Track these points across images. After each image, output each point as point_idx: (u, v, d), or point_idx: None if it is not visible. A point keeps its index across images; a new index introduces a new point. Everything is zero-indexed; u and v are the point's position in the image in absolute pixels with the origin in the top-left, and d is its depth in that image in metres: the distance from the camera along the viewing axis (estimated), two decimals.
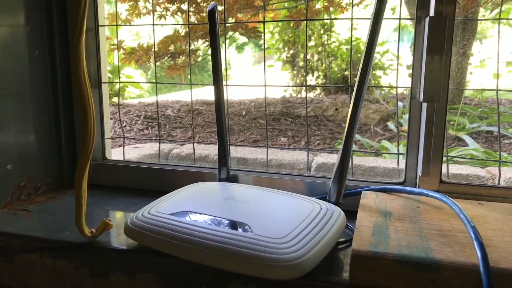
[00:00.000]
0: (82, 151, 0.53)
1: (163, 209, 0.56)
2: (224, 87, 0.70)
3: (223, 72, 0.70)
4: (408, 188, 0.60)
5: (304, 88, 3.11)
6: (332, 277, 0.47)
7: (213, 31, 0.66)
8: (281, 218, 0.52)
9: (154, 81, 0.89)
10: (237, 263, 0.45)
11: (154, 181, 0.78)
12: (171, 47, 1.85)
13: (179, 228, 0.50)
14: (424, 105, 0.62)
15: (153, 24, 0.85)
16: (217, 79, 0.68)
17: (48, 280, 0.57)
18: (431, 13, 0.59)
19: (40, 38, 0.75)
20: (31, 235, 0.59)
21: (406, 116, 1.93)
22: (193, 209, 0.55)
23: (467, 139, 1.52)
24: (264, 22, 0.78)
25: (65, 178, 0.81)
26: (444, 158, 0.63)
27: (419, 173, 0.63)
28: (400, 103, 2.11)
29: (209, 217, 0.53)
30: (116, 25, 0.91)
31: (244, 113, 2.08)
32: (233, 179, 0.72)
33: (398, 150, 0.73)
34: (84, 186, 0.54)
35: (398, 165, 0.72)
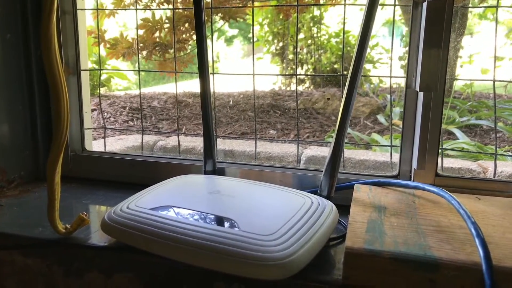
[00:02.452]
0: (55, 141, 0.49)
1: (143, 203, 0.52)
2: (211, 77, 0.66)
3: (210, 62, 0.66)
4: (403, 182, 0.57)
5: (293, 80, 3.07)
6: (324, 276, 0.44)
7: (198, 17, 0.62)
8: (270, 213, 0.49)
9: (138, 69, 0.85)
10: (222, 262, 0.42)
11: (136, 173, 0.74)
12: (156, 34, 1.79)
13: (160, 224, 0.47)
14: (420, 94, 0.59)
15: (136, 9, 0.80)
16: (203, 68, 0.64)
17: (18, 279, 0.53)
18: None
19: (12, 20, 0.70)
20: (1, 231, 0.55)
21: (397, 110, 1.91)
22: (176, 203, 0.52)
23: (457, 132, 1.51)
24: (252, 7, 0.74)
25: (40, 171, 0.77)
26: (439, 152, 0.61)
27: (414, 166, 0.60)
28: (389, 96, 2.09)
29: (193, 212, 0.49)
30: (97, 9, 0.87)
31: (232, 105, 2.04)
32: (220, 171, 0.69)
33: (391, 142, 0.70)
34: (57, 179, 0.50)
35: (391, 158, 0.69)
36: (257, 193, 0.55)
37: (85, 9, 0.77)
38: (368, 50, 2.94)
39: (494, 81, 0.69)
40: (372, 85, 2.62)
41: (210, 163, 0.67)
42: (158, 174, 0.71)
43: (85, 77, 0.78)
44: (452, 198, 0.48)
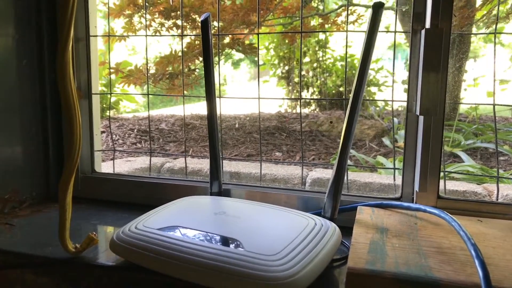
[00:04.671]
0: (67, 163, 0.51)
1: (151, 223, 0.53)
2: (218, 100, 0.68)
3: (217, 85, 0.69)
4: (405, 204, 0.58)
5: (299, 103, 3.11)
6: None
7: (206, 42, 0.65)
8: (274, 234, 0.50)
9: (147, 93, 0.88)
10: (227, 281, 0.43)
11: (144, 195, 0.76)
12: (169, 68, 1.85)
13: (167, 244, 0.48)
14: (421, 118, 0.60)
15: (146, 35, 0.84)
16: (210, 91, 0.67)
17: None
18: (427, 25, 0.59)
19: (28, 46, 0.74)
20: (12, 250, 0.56)
21: (402, 132, 1.93)
22: (183, 224, 0.53)
23: (463, 155, 1.51)
24: (258, 34, 0.78)
25: (51, 191, 0.79)
26: (442, 174, 0.62)
27: (416, 188, 0.61)
28: (395, 119, 2.11)
29: (199, 233, 0.50)
30: (109, 36, 0.90)
31: (238, 127, 2.07)
32: (225, 193, 0.70)
33: (394, 164, 0.72)
34: (69, 199, 0.52)
35: (394, 180, 0.70)
36: (261, 214, 0.57)
37: (97, 36, 0.80)
38: (373, 73, 2.99)
39: (494, 105, 0.70)
40: (377, 108, 2.64)
41: (216, 185, 0.68)
42: (165, 195, 0.73)
43: (95, 100, 0.81)
44: (452, 220, 0.49)
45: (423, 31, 0.59)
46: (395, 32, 0.71)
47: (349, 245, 0.56)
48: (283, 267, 0.43)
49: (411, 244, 0.48)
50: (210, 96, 0.67)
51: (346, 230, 0.56)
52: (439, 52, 0.57)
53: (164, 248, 0.47)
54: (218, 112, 0.68)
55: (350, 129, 0.55)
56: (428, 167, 0.59)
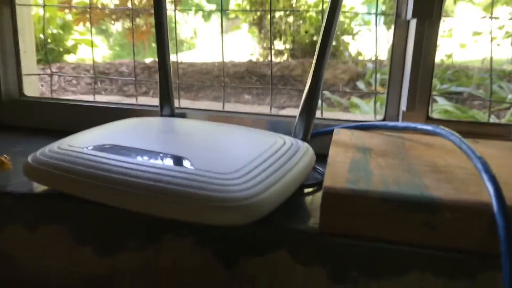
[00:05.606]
0: None
1: (79, 142, 0.42)
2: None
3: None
4: (391, 123, 0.49)
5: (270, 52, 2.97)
6: (296, 224, 0.36)
7: None
8: (233, 152, 0.40)
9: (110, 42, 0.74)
10: (170, 206, 0.33)
11: (82, 121, 0.63)
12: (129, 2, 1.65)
13: (97, 164, 0.37)
14: (412, 24, 0.50)
15: None
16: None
17: None
18: None
19: None
20: None
21: (378, 76, 1.85)
22: (120, 142, 0.42)
23: (439, 99, 1.45)
24: None
25: None
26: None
27: (403, 107, 0.52)
28: (369, 65, 2.02)
29: (139, 151, 0.40)
30: None
31: (205, 72, 1.93)
32: (179, 116, 0.59)
33: (375, 88, 0.62)
34: None
35: (374, 104, 0.61)
36: (219, 132, 0.47)
37: None
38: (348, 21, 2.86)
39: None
40: (351, 56, 2.54)
41: (168, 108, 0.57)
42: (108, 121, 0.61)
43: (21, 13, 0.66)
44: (450, 134, 0.40)
45: None
46: None
47: (323, 171, 0.47)
48: (241, 186, 0.33)
49: (400, 163, 0.39)
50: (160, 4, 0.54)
51: (320, 158, 0.46)
52: None
53: (93, 169, 0.37)
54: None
55: (329, 30, 0.44)
56: (418, 81, 0.50)
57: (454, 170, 0.38)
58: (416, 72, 0.50)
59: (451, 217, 0.31)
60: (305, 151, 0.42)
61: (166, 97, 0.57)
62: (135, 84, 0.87)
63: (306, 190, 0.44)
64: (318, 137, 0.53)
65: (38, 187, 0.41)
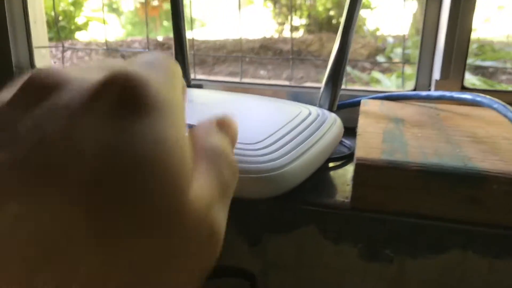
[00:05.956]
0: None
1: None
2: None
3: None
4: (424, 93, 0.45)
5: (285, 27, 2.89)
6: (324, 199, 0.33)
7: None
8: (255, 122, 0.38)
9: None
10: None
11: None
12: None
13: None
14: None
15: None
16: None
17: None
18: None
19: None
20: None
21: (398, 50, 1.78)
22: None
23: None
24: None
25: None
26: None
27: (436, 76, 0.49)
28: (389, 39, 1.95)
29: None
30: None
31: (219, 48, 1.89)
32: (196, 87, 0.57)
33: (403, 48, 0.58)
34: None
35: (402, 73, 0.57)
36: (238, 102, 0.44)
37: None
38: None
39: None
40: (369, 30, 2.46)
41: (184, 80, 0.54)
42: None
43: None
44: (494, 102, 0.36)
45: None
46: None
47: (350, 144, 0.45)
48: (266, 157, 0.30)
49: (438, 134, 0.36)
50: None
51: (346, 132, 0.43)
52: None
53: None
54: None
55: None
56: (453, 47, 0.46)
57: (498, 140, 0.35)
58: (451, 37, 0.46)
59: (498, 190, 0.28)
60: (333, 122, 0.39)
61: (181, 69, 0.54)
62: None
63: (333, 164, 0.41)
64: (344, 109, 0.50)
65: None
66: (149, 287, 0.12)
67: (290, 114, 0.39)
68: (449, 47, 0.46)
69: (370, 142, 0.34)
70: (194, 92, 0.48)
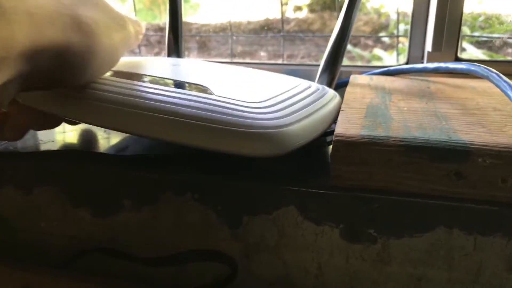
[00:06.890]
0: None
1: None
2: None
3: None
4: (419, 66, 0.43)
5: (288, 8, 2.84)
6: (306, 177, 0.32)
7: None
8: (256, 86, 0.38)
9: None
10: (187, 132, 0.28)
11: None
12: None
13: (107, 89, 0.31)
14: None
15: None
16: None
17: None
18: None
19: None
20: None
21: (401, 26, 1.74)
22: (126, 69, 0.38)
23: (469, 47, 1.35)
24: None
25: None
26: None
27: (428, 48, 0.47)
28: (393, 15, 1.90)
29: (149, 77, 0.36)
30: None
31: (218, 31, 1.86)
32: None
33: (397, 30, 0.56)
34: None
35: (397, 45, 0.55)
36: (237, 72, 0.43)
37: None
38: None
39: None
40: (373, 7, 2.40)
41: (175, 57, 0.53)
42: None
43: None
44: (488, 71, 0.34)
45: None
46: None
47: None
48: (270, 115, 0.30)
49: (425, 107, 0.35)
50: None
51: None
52: None
53: (104, 92, 0.31)
54: None
55: None
56: (446, 17, 0.44)
57: (489, 112, 0.33)
58: (443, 7, 0.44)
59: (484, 164, 0.27)
60: (333, 96, 0.38)
61: (174, 50, 0.53)
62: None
63: (329, 139, 0.40)
64: (342, 89, 0.48)
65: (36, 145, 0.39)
66: None
67: (290, 84, 0.38)
68: (440, 18, 0.44)
69: (352, 118, 0.32)
70: (189, 61, 0.48)
